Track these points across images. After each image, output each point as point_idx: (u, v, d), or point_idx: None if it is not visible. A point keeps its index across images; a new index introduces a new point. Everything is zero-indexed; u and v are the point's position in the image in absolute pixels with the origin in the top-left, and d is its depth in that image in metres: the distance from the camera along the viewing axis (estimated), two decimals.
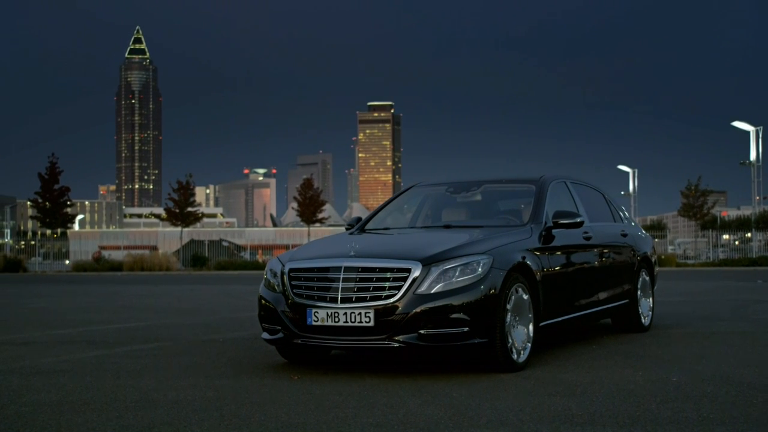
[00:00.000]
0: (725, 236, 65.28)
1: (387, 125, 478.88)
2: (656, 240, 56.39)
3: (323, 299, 6.03)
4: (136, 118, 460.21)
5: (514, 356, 6.20)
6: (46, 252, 60.44)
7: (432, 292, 5.89)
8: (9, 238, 77.20)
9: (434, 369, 6.36)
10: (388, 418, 4.68)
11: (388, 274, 5.94)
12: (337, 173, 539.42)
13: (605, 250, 7.96)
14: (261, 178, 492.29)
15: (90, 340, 8.70)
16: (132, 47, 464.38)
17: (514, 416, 4.68)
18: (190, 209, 55.38)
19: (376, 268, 6.00)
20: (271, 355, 7.24)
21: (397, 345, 5.88)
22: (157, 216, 72.05)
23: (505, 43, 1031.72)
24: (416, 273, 5.92)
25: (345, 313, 5.93)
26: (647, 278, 8.93)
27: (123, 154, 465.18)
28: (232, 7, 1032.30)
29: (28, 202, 54.89)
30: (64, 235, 77.14)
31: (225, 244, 59.09)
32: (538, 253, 6.72)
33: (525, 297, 6.38)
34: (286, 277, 6.29)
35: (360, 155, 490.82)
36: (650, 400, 5.08)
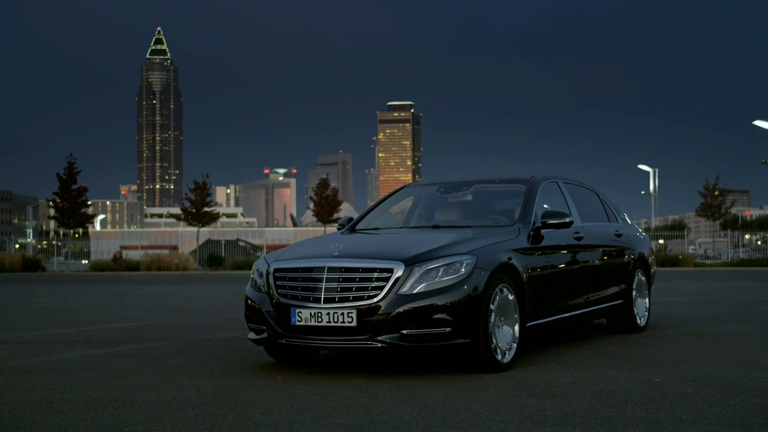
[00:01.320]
0: (747, 236, 64.83)
1: (407, 125, 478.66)
2: (677, 240, 56.07)
3: (307, 299, 6.05)
4: (157, 118, 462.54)
5: (499, 356, 6.19)
6: (69, 251, 60.87)
7: (414, 292, 5.89)
8: (31, 237, 77.74)
9: (419, 369, 6.36)
10: (360, 418, 4.69)
11: (371, 275, 5.95)
12: (357, 173, 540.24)
13: (597, 251, 7.94)
14: (281, 178, 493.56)
15: (87, 339, 8.76)
16: (153, 48, 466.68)
17: (486, 417, 4.68)
18: (206, 209, 55.56)
19: (359, 268, 6.01)
20: (260, 355, 7.27)
21: (379, 345, 5.89)
22: (175, 216, 72.27)
23: (527, 42, 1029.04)
24: (399, 273, 5.92)
25: (328, 313, 5.94)
26: (643, 278, 8.89)
27: (144, 155, 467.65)
28: (253, 6, 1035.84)
29: (50, 203, 55.31)
30: (85, 234, 77.62)
31: (241, 244, 59.25)
32: (525, 254, 6.71)
33: (510, 297, 6.37)
34: (271, 278, 6.32)
35: (380, 155, 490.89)
36: (627, 401, 5.07)
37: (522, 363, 6.60)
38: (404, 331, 5.86)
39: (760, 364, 6.44)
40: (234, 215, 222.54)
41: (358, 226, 7.82)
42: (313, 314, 5.99)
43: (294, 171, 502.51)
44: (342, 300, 5.94)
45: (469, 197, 8.00)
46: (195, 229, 58.29)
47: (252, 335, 6.52)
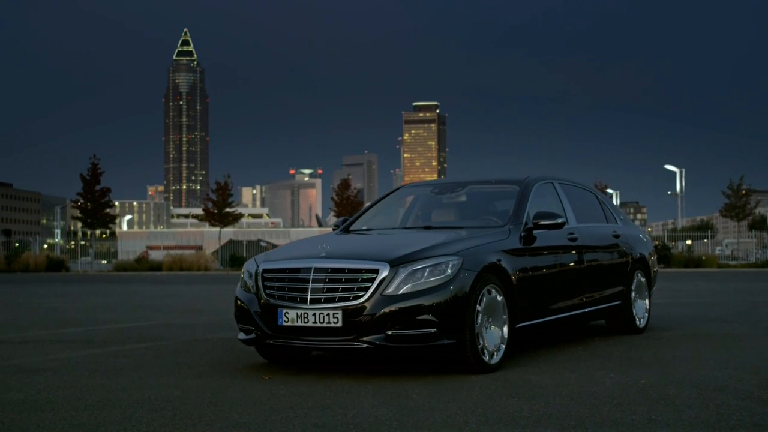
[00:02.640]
0: None
1: (432, 125, 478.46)
2: (705, 241, 55.60)
3: (294, 300, 6.08)
4: (184, 119, 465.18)
5: (486, 357, 6.19)
6: (96, 252, 61.29)
7: (400, 293, 5.90)
8: (59, 238, 78.45)
9: (408, 370, 6.37)
10: (336, 419, 4.70)
11: (357, 275, 5.97)
12: (383, 173, 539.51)
13: (593, 252, 7.90)
14: (307, 179, 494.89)
15: (87, 339, 8.84)
16: (180, 49, 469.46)
17: (461, 418, 4.68)
18: (228, 210, 55.79)
19: (345, 269, 6.03)
20: (253, 356, 7.29)
21: (364, 346, 5.91)
22: (197, 216, 72.68)
23: (554, 43, 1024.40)
24: (384, 274, 5.94)
25: (314, 314, 5.97)
26: (643, 280, 8.83)
27: (171, 155, 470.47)
28: (279, 7, 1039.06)
29: (73, 204, 55.76)
30: (113, 235, 78.12)
31: (263, 244, 59.45)
32: (515, 254, 6.70)
33: (499, 298, 6.37)
34: (259, 278, 6.35)
35: (405, 155, 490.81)
36: (606, 402, 5.05)
37: (512, 364, 6.60)
38: (389, 332, 5.87)
39: (753, 367, 6.39)
40: (260, 216, 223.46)
41: (353, 227, 7.85)
42: (299, 315, 6.01)
43: (320, 171, 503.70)
44: (328, 300, 5.96)
45: (463, 198, 8.00)
46: (227, 230, 58.50)
47: (241, 335, 6.56)
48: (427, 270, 6.00)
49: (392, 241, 6.75)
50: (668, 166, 63.76)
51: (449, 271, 6.03)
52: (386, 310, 5.86)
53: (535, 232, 7.03)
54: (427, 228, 7.28)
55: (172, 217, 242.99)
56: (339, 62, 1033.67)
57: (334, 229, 7.93)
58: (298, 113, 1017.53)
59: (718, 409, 4.84)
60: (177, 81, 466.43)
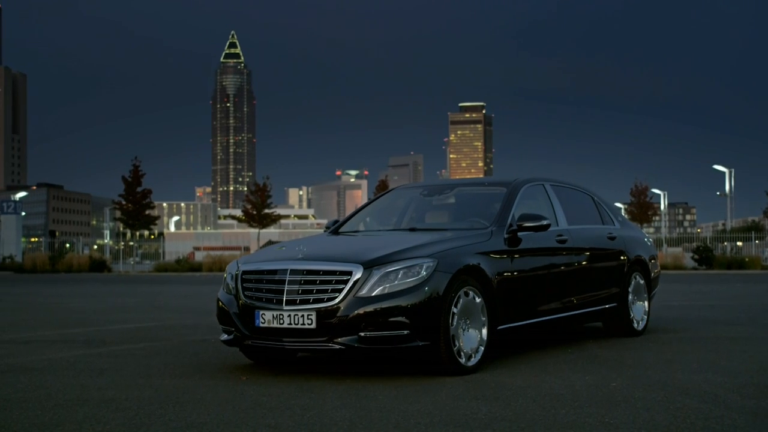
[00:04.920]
0: None
1: (478, 126, 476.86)
2: (751, 242, 54.68)
3: (270, 301, 6.14)
4: (231, 121, 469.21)
5: (463, 360, 6.19)
6: (144, 252, 62.05)
7: (373, 294, 5.94)
8: (109, 239, 79.68)
9: (389, 370, 6.41)
10: (291, 419, 4.75)
11: (331, 277, 6.02)
12: (429, 174, 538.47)
13: (584, 253, 7.86)
14: (353, 180, 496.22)
15: (89, 339, 8.98)
16: (227, 51, 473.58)
17: (415, 420, 4.71)
18: (267, 211, 56.17)
19: (320, 270, 6.08)
20: (240, 358, 7.34)
21: (337, 347, 5.95)
22: (236, 218, 73.61)
23: (603, 40, 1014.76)
24: (357, 276, 5.98)
25: (289, 315, 6.02)
26: (641, 282, 8.75)
27: (218, 157, 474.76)
28: (324, 9, 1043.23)
29: (115, 205, 56.58)
30: (160, 236, 79.03)
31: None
32: (497, 256, 6.70)
33: (477, 300, 6.37)
34: (239, 280, 6.43)
35: (451, 156, 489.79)
36: (567, 405, 5.05)
37: (492, 366, 6.60)
38: (362, 334, 5.91)
39: (734, 371, 6.32)
40: (306, 216, 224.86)
41: (342, 229, 7.90)
42: (275, 316, 6.07)
43: (365, 172, 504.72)
44: (303, 302, 6.02)
45: (451, 200, 8.01)
46: (269, 230, 58.97)
47: (223, 336, 6.64)
48: (401, 272, 6.02)
49: (371, 243, 6.79)
50: (717, 167, 62.97)
51: (423, 273, 6.04)
52: (359, 311, 5.90)
53: (520, 233, 7.02)
54: (412, 230, 7.31)
55: (219, 218, 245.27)
56: (385, 63, 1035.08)
57: (325, 231, 8.00)
58: (344, 115, 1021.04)
59: (675, 412, 4.82)
60: (224, 83, 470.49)
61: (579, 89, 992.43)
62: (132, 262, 54.11)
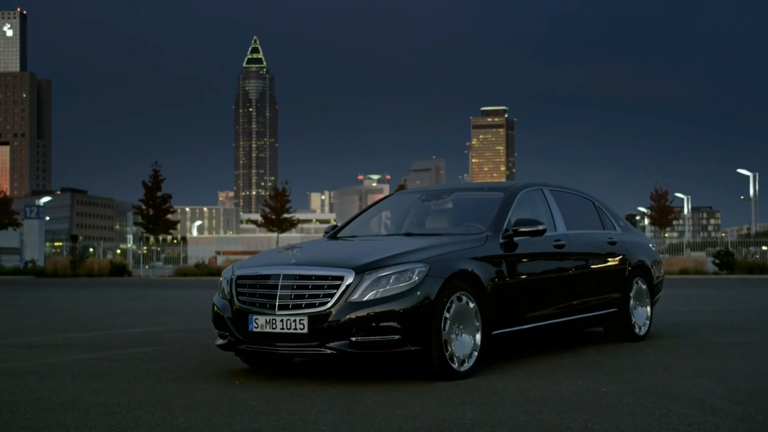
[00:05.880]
0: None
1: (501, 130, 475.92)
2: None
3: (263, 306, 6.18)
4: (253, 125, 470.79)
5: (455, 365, 6.20)
6: (167, 257, 62.31)
7: (364, 299, 5.96)
8: (132, 243, 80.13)
9: (382, 376, 6.42)
10: (278, 424, 4.77)
11: (323, 282, 6.05)
12: (451, 178, 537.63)
13: (582, 258, 7.84)
14: (375, 184, 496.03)
15: (93, 343, 9.06)
16: (249, 57, 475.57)
17: (398, 424, 4.73)
18: (286, 215, 56.35)
19: (312, 275, 6.11)
20: (237, 362, 7.36)
21: (329, 352, 5.97)
22: (255, 222, 73.86)
23: (621, 47, 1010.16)
24: (349, 280, 6.00)
25: (282, 320, 6.06)
26: (643, 286, 8.72)
27: (241, 161, 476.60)
28: (346, 14, 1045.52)
29: (135, 209, 56.93)
30: (183, 240, 79.39)
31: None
32: (491, 261, 6.70)
33: (471, 305, 6.37)
34: (233, 284, 6.47)
35: (473, 160, 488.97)
36: (553, 409, 5.06)
37: (487, 371, 6.59)
38: (354, 339, 5.93)
39: (728, 376, 6.29)
40: (327, 221, 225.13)
41: (342, 233, 7.93)
42: (268, 321, 6.11)
43: (387, 177, 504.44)
44: (295, 307, 6.05)
45: (449, 205, 8.03)
46: (291, 235, 59.18)
47: (218, 341, 6.68)
48: (393, 277, 6.04)
49: (365, 248, 6.81)
50: (741, 170, 62.54)
51: (415, 278, 6.06)
52: (351, 316, 5.92)
53: (516, 238, 7.02)
54: (408, 235, 7.34)
55: (241, 222, 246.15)
56: (406, 68, 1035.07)
57: (324, 235, 8.04)
58: (366, 119, 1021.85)
59: (660, 418, 4.81)
60: (247, 88, 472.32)
61: (600, 92, 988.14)
62: (159, 265, 54.39)
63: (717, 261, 41.16)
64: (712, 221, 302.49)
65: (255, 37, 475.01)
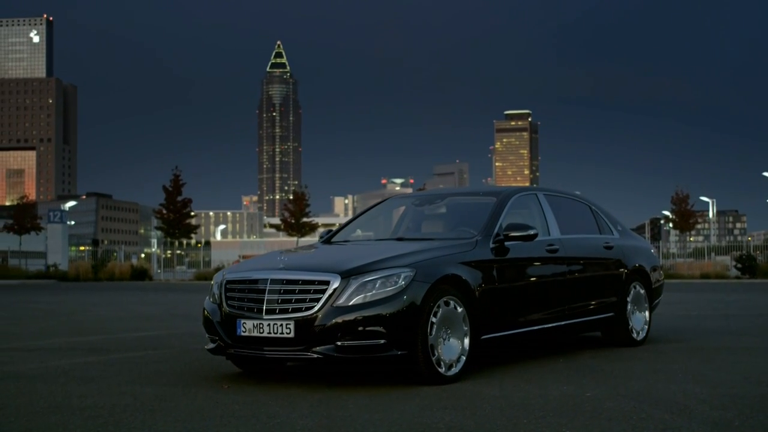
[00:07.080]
0: None
1: (524, 134, 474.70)
2: None
3: (251, 310, 6.22)
4: (277, 130, 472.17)
5: (442, 369, 6.21)
6: (191, 261, 62.58)
7: (350, 304, 5.99)
8: (156, 247, 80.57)
9: (371, 380, 6.44)
10: (256, 428, 4.81)
11: (309, 287, 6.08)
12: (474, 182, 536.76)
13: (576, 263, 7.83)
14: (398, 188, 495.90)
15: (94, 347, 9.14)
16: (273, 61, 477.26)
17: (374, 429, 4.75)
18: (305, 219, 56.50)
19: (299, 280, 6.15)
20: (230, 366, 7.40)
21: (315, 356, 6.01)
22: (275, 226, 73.98)
23: (644, 50, 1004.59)
24: (335, 285, 6.03)
25: (269, 324, 6.10)
26: (641, 291, 8.68)
27: (264, 166, 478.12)
28: (369, 20, 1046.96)
29: (156, 213, 57.23)
30: (207, 244, 79.64)
31: None
32: (480, 266, 6.71)
33: (459, 310, 6.38)
34: (223, 289, 6.52)
35: (497, 164, 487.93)
36: (532, 414, 5.07)
37: (476, 375, 6.61)
38: (339, 343, 5.96)
39: (717, 381, 6.27)
40: None
41: (336, 238, 7.96)
42: (255, 325, 6.15)
43: (411, 181, 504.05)
44: (282, 311, 6.09)
45: (442, 210, 8.05)
46: (311, 238, 59.23)
47: (208, 345, 6.73)
48: (379, 281, 6.07)
49: (353, 253, 6.84)
50: (767, 174, 62.19)
51: (401, 282, 6.08)
52: (336, 321, 5.95)
53: (507, 243, 7.02)
54: (400, 239, 7.36)
55: (265, 226, 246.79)
56: (428, 72, 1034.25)
57: (319, 240, 8.09)
58: (389, 124, 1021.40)
59: (636, 423, 4.81)
60: (270, 93, 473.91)
61: (624, 96, 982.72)
62: (183, 269, 54.53)
63: (739, 265, 40.85)
64: (738, 225, 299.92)
65: (278, 42, 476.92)
